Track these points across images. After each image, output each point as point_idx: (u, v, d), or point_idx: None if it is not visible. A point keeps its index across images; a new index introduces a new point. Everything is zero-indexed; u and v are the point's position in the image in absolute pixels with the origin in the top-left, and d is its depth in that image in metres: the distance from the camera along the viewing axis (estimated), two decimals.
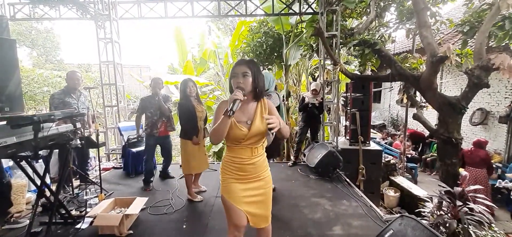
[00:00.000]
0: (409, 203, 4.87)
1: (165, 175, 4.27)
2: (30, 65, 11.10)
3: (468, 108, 3.19)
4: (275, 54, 6.82)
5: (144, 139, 3.94)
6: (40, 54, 13.15)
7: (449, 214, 2.56)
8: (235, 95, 1.45)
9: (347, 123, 5.53)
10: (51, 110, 3.40)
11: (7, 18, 4.36)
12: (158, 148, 4.13)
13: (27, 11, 5.38)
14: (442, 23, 4.09)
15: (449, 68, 8.03)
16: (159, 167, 4.34)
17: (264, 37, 6.66)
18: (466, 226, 2.34)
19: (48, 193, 2.55)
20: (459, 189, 2.66)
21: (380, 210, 3.28)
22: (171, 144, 4.14)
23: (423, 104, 4.31)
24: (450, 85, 8.16)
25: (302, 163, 4.93)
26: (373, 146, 5.08)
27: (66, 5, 5.03)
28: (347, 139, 5.26)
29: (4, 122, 1.94)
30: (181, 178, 4.12)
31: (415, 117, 3.79)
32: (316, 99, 4.70)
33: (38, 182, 2.40)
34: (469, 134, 7.37)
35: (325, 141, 5.20)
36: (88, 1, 4.92)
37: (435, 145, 7.04)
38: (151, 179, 3.87)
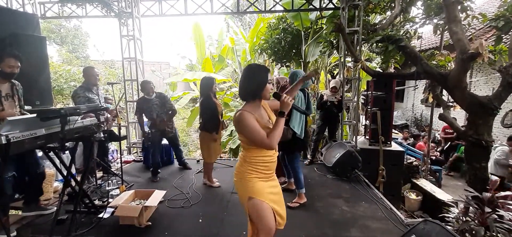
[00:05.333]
0: (431, 207, 4.64)
1: (183, 164, 4.48)
2: (59, 61, 11.68)
3: (500, 108, 2.99)
4: (294, 50, 6.72)
5: (150, 135, 4.11)
6: (68, 51, 13.82)
7: (476, 221, 2.41)
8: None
9: (367, 122, 5.36)
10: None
11: (38, 17, 4.61)
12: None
13: (56, 9, 5.64)
14: (474, 17, 3.81)
15: (480, 66, 7.53)
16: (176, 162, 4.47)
17: (282, 34, 6.58)
18: (494, 234, 2.20)
19: (73, 183, 2.68)
20: (488, 194, 2.50)
21: (401, 213, 3.16)
22: (175, 135, 4.35)
23: (451, 104, 4.06)
24: (481, 84, 7.67)
25: (319, 162, 4.85)
26: (394, 146, 4.89)
27: (92, 3, 5.22)
28: (367, 139, 5.10)
29: (35, 115, 2.05)
30: (198, 173, 4.20)
31: (441, 117, 3.59)
32: (335, 97, 4.60)
33: (65, 172, 2.52)
34: (500, 136, 6.90)
35: (344, 141, 5.08)
36: None
37: (462, 147, 6.66)
38: (159, 170, 4.13)
